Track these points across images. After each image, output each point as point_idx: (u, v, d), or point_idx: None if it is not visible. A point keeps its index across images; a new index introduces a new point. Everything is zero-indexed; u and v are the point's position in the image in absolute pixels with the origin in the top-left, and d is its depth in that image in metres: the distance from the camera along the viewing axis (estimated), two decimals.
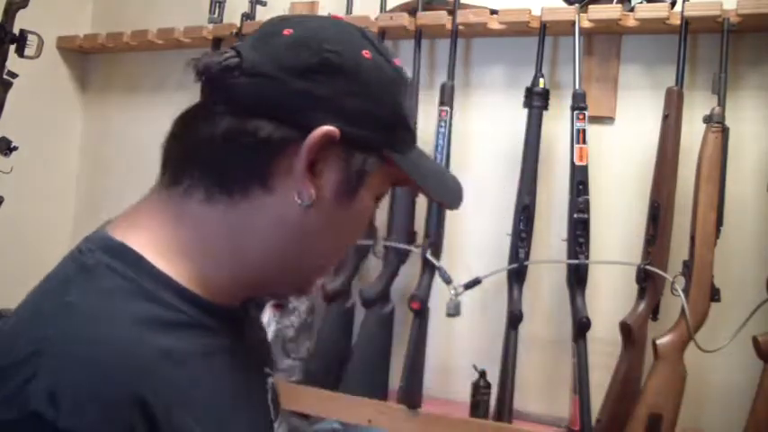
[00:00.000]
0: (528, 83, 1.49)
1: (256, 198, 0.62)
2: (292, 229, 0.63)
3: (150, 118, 2.14)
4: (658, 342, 1.32)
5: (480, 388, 1.49)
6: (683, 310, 1.31)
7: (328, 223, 0.64)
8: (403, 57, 1.74)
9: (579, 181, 1.42)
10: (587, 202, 1.42)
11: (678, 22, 1.38)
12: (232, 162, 0.61)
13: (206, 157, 0.62)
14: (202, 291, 0.63)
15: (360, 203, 0.66)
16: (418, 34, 1.63)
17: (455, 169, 1.59)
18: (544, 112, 1.48)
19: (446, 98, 1.56)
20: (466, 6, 1.59)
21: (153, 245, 0.61)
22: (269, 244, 0.64)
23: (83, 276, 0.59)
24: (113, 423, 0.52)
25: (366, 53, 0.64)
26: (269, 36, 0.64)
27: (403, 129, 0.67)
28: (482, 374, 1.49)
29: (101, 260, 0.59)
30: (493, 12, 1.56)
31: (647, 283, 1.37)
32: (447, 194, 0.73)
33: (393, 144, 0.66)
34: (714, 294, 1.32)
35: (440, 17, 1.59)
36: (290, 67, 0.61)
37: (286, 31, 0.63)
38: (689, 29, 1.38)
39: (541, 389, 1.57)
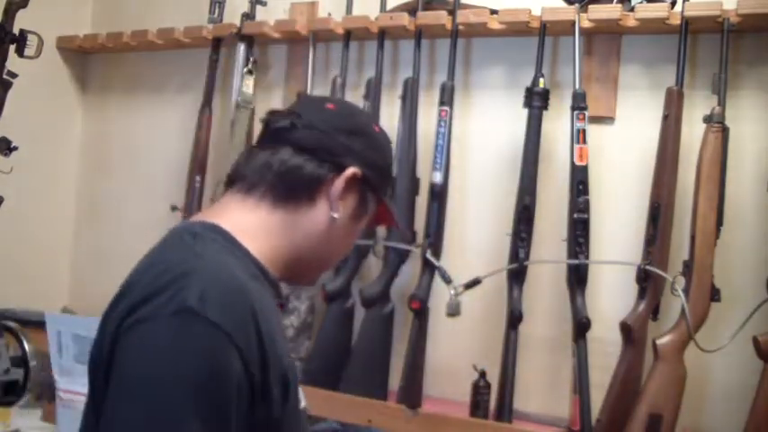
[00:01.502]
0: (528, 83, 1.50)
1: (304, 208, 0.91)
2: (323, 232, 0.92)
3: (150, 118, 2.14)
4: (658, 342, 1.32)
5: (480, 388, 1.49)
6: (683, 310, 1.31)
7: (343, 233, 0.95)
8: (403, 57, 1.76)
9: (579, 181, 1.43)
10: (587, 202, 1.42)
11: (678, 22, 1.38)
12: (293, 184, 0.90)
13: (274, 178, 0.90)
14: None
15: (361, 224, 0.97)
16: (418, 34, 1.63)
17: (455, 169, 1.59)
18: (544, 112, 1.49)
19: (446, 98, 1.56)
20: (466, 6, 1.59)
21: (234, 227, 0.87)
22: (308, 239, 0.92)
23: (197, 239, 0.84)
24: (245, 326, 0.77)
25: (375, 126, 0.99)
26: (316, 107, 0.96)
27: (390, 179, 1.02)
28: (482, 374, 1.50)
29: (204, 231, 0.86)
30: (493, 12, 1.56)
31: (648, 283, 1.37)
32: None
33: (385, 190, 0.99)
34: (714, 294, 1.32)
35: (440, 17, 1.59)
36: (338, 128, 0.92)
37: (329, 106, 0.96)
38: (689, 29, 1.38)
39: (541, 389, 1.57)
